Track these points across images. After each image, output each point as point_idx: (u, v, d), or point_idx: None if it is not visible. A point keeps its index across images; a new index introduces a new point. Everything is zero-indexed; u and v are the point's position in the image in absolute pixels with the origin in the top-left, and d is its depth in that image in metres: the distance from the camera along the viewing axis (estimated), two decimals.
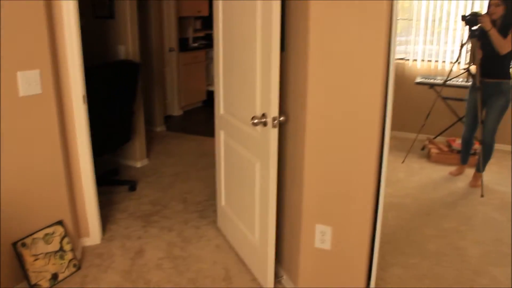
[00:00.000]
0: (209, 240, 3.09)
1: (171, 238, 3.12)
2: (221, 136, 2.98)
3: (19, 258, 2.47)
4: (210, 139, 5.51)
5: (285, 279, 2.62)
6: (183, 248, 2.99)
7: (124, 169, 4.51)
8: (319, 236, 2.33)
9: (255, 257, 2.62)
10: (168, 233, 3.19)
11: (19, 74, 2.35)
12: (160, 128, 6.00)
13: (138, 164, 4.60)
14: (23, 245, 2.49)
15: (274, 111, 2.20)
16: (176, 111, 6.90)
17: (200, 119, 6.70)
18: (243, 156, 2.63)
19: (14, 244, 2.46)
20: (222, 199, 3.10)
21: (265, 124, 2.27)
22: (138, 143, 4.55)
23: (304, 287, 2.44)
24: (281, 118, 2.27)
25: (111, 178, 4.16)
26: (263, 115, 2.27)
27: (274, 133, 2.23)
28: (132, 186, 3.99)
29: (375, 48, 1.97)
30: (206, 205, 3.64)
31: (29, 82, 2.41)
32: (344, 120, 2.11)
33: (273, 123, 2.21)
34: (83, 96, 2.79)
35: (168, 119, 6.65)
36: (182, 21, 6.97)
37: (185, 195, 3.85)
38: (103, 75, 3.37)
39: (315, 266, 2.39)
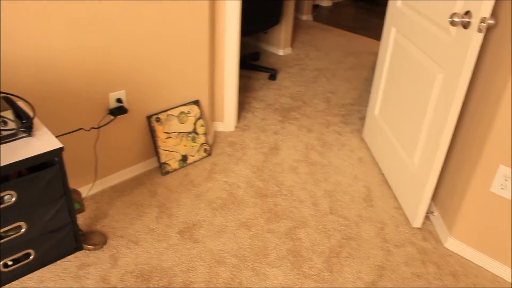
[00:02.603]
0: (352, 150, 2.72)
1: (310, 140, 2.80)
2: (391, 33, 2.45)
3: (152, 133, 2.32)
4: (360, 37, 4.93)
5: (435, 216, 2.20)
6: (322, 154, 2.66)
7: (265, 55, 4.19)
8: (500, 180, 1.82)
9: (407, 184, 2.21)
10: (307, 134, 2.86)
11: None
12: (306, 17, 5.50)
13: (281, 52, 4.24)
14: (157, 120, 2.33)
15: (485, 9, 1.62)
16: (325, 1, 6.29)
17: (350, 13, 6.04)
18: (420, 62, 2.11)
19: (149, 118, 2.30)
20: (376, 107, 2.65)
21: (466, 25, 1.71)
22: (284, 29, 4.14)
23: (459, 232, 2.01)
24: (490, 21, 1.69)
25: (251, 63, 3.87)
26: (467, 13, 1.70)
27: (477, 39, 1.67)
28: (272, 75, 3.68)
29: None
30: (351, 110, 3.22)
31: None
32: None
33: (479, 26, 1.65)
34: None
35: (315, 8, 6.09)
36: None
37: (329, 94, 3.45)
38: None
39: (482, 213, 1.92)
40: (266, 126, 2.92)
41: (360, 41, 4.78)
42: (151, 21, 2.08)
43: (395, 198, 2.33)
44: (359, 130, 2.94)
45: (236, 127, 2.88)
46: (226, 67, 2.65)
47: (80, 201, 1.81)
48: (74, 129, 2.03)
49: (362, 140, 2.83)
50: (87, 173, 2.17)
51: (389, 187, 2.41)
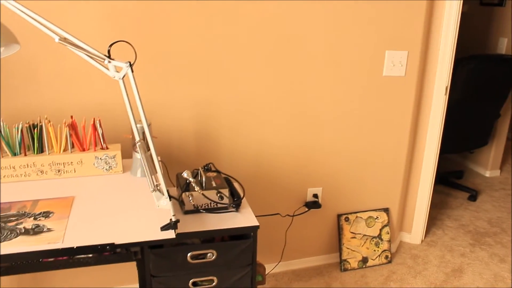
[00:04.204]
0: None
1: (500, 271, 2.64)
2: None
3: (339, 231, 2.54)
4: None
5: None
6: None
7: (469, 174, 4.10)
8: None
9: None
10: (497, 264, 2.71)
11: (387, 53, 2.31)
12: None
13: (487, 174, 4.09)
14: (346, 219, 2.54)
15: None
16: None
17: None
18: None
19: (339, 216, 2.53)
20: None
21: None
22: (494, 150, 4.02)
23: None
24: None
25: (452, 180, 3.84)
26: None
27: None
28: (473, 196, 3.58)
29: None
30: None
31: (394, 62, 2.34)
32: None
33: None
34: (446, 87, 2.56)
35: None
36: None
37: None
38: (473, 68, 3.04)
39: None
40: (454, 246, 2.86)
41: None
42: (354, 130, 2.38)
43: None
44: None
45: (422, 240, 2.90)
46: (421, 181, 2.75)
47: (263, 274, 2.09)
48: (272, 213, 2.38)
49: None
50: (274, 252, 2.48)
51: None
